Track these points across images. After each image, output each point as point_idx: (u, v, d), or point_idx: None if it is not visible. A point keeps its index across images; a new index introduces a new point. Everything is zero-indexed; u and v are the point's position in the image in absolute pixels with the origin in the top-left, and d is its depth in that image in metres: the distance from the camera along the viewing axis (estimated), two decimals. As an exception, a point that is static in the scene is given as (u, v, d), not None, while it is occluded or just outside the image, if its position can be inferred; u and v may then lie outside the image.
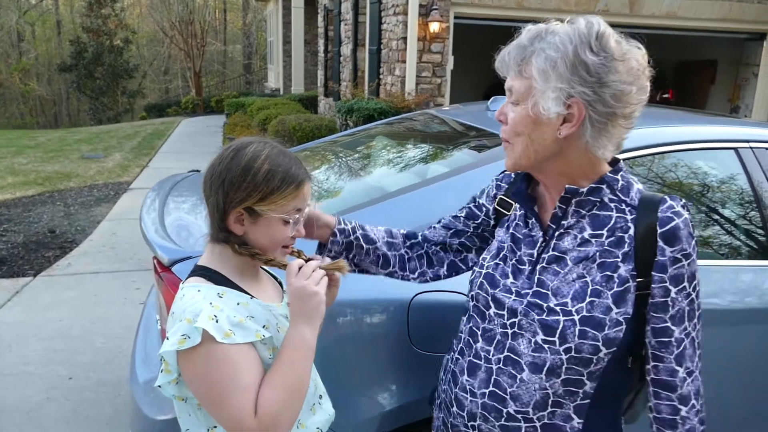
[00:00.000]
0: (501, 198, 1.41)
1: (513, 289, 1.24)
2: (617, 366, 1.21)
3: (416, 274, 1.50)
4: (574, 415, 1.21)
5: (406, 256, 1.49)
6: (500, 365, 1.22)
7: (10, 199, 7.32)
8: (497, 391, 1.22)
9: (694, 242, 1.16)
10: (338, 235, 1.41)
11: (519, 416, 1.21)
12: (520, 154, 1.18)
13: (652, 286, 1.15)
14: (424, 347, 1.71)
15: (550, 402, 1.19)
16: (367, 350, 1.73)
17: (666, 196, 1.18)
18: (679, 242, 1.14)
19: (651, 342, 1.19)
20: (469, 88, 10.91)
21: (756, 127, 2.31)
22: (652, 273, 1.15)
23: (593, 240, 1.18)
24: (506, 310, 1.23)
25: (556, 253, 1.21)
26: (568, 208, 1.21)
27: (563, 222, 1.21)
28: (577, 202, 1.20)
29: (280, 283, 1.38)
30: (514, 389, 1.20)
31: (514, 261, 1.27)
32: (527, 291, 1.21)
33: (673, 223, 1.14)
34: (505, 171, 1.44)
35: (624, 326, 1.15)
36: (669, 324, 1.17)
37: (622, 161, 1.23)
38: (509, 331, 1.22)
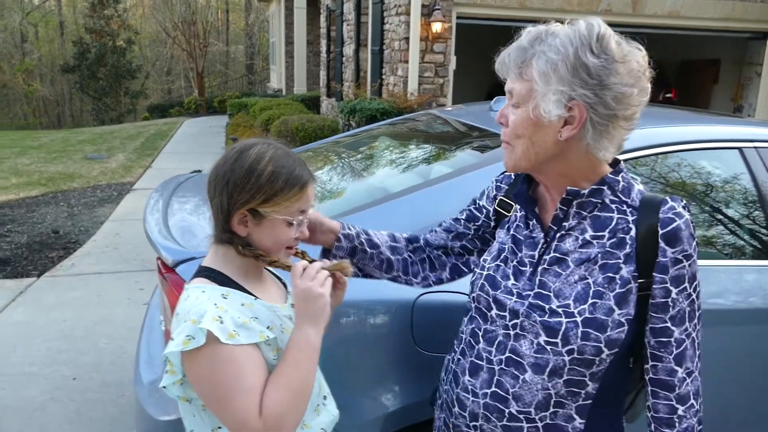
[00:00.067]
0: (501, 199, 1.41)
1: (514, 291, 1.24)
2: (619, 366, 1.21)
3: (419, 278, 1.50)
4: (575, 416, 1.21)
5: (409, 260, 1.49)
6: (502, 366, 1.22)
7: (13, 199, 7.34)
8: (499, 391, 1.22)
9: (695, 243, 1.16)
10: (343, 240, 1.41)
11: (521, 416, 1.21)
12: (521, 156, 1.18)
13: (653, 286, 1.15)
14: (428, 348, 1.71)
15: (552, 402, 1.20)
16: (371, 351, 1.73)
17: (667, 197, 1.18)
18: (681, 243, 1.14)
19: (650, 342, 1.19)
20: (472, 88, 10.90)
21: (760, 127, 2.31)
22: (654, 274, 1.15)
23: (595, 241, 1.18)
24: (508, 311, 1.23)
25: (557, 255, 1.21)
26: (569, 209, 1.21)
27: (564, 223, 1.22)
28: (578, 203, 1.20)
29: (285, 284, 1.38)
30: (516, 389, 1.20)
31: (515, 262, 1.27)
32: (528, 292, 1.22)
33: (674, 224, 1.14)
34: (505, 172, 1.44)
35: (626, 327, 1.15)
36: (669, 324, 1.17)
37: (622, 162, 1.23)
38: (511, 333, 1.22)
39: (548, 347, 1.17)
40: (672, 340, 1.18)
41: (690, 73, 11.94)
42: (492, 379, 1.23)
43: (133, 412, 2.14)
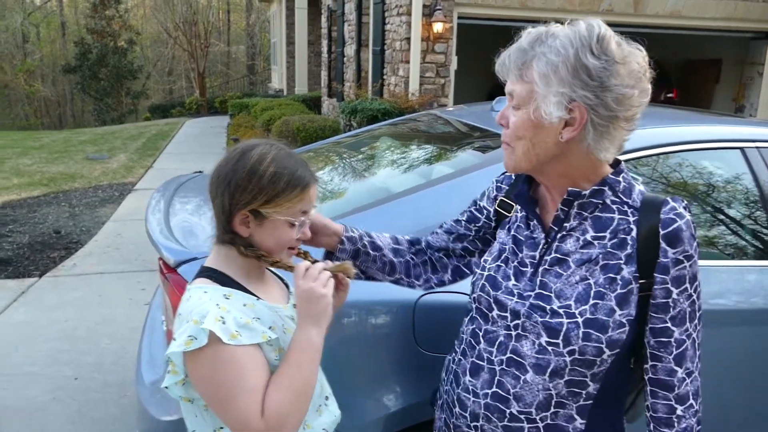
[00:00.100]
0: (502, 199, 1.41)
1: (515, 291, 1.24)
2: (620, 367, 1.21)
3: (421, 280, 1.50)
4: (576, 416, 1.21)
5: (412, 263, 1.49)
6: (503, 366, 1.22)
7: (15, 199, 7.35)
8: (500, 391, 1.22)
9: (695, 243, 1.16)
10: (346, 242, 1.42)
11: (522, 416, 1.21)
12: (521, 157, 1.18)
13: (654, 287, 1.16)
14: (430, 348, 1.71)
15: (553, 402, 1.20)
16: (373, 351, 1.73)
17: (668, 198, 1.18)
18: (681, 244, 1.14)
19: (650, 342, 1.19)
20: (473, 88, 10.89)
21: (762, 127, 2.31)
22: (654, 274, 1.15)
23: (596, 242, 1.18)
24: (509, 312, 1.23)
25: (558, 256, 1.21)
26: (570, 210, 1.21)
27: (565, 224, 1.22)
28: (579, 204, 1.20)
29: (287, 285, 1.38)
30: (517, 390, 1.20)
31: (515, 263, 1.27)
32: (529, 293, 1.22)
33: (675, 225, 1.14)
34: (506, 172, 1.44)
35: (627, 328, 1.15)
36: (669, 324, 1.17)
37: (623, 162, 1.23)
38: (512, 333, 1.22)
39: (549, 348, 1.17)
40: (672, 340, 1.18)
41: (691, 73, 11.94)
42: (493, 380, 1.23)
43: (135, 412, 2.14)
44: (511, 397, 1.21)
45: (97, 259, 5.29)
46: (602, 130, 1.12)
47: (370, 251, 1.44)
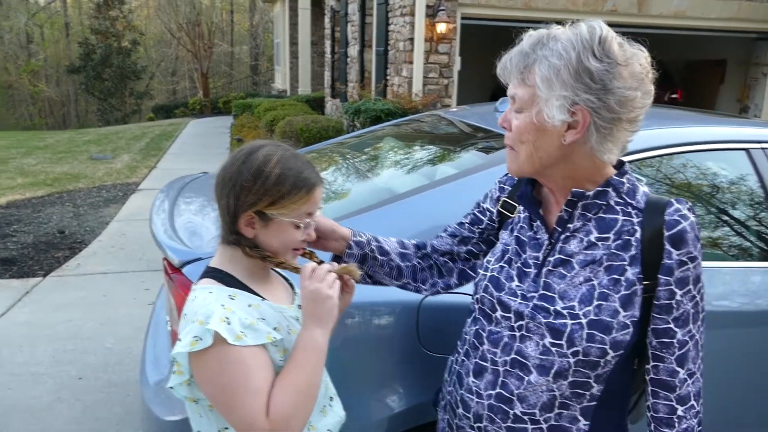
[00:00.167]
0: (504, 200, 1.41)
1: (518, 293, 1.24)
2: (623, 368, 1.21)
3: (428, 285, 1.50)
4: (580, 417, 1.21)
5: (418, 267, 1.49)
6: (507, 367, 1.22)
7: (20, 199, 7.37)
8: (504, 392, 1.22)
9: (699, 245, 1.16)
10: (354, 247, 1.41)
11: (525, 417, 1.21)
12: (524, 161, 1.18)
13: (658, 288, 1.15)
14: (434, 349, 1.71)
15: (556, 404, 1.20)
16: (377, 352, 1.73)
17: (672, 199, 1.18)
18: (686, 245, 1.14)
19: (652, 342, 1.19)
20: (476, 89, 10.90)
21: (767, 128, 2.30)
22: (658, 276, 1.15)
23: (600, 243, 1.18)
24: (512, 313, 1.23)
25: (562, 257, 1.21)
26: (574, 211, 1.21)
27: (569, 225, 1.21)
28: (583, 205, 1.20)
29: (291, 285, 1.38)
30: (521, 391, 1.20)
31: (519, 264, 1.27)
32: (533, 294, 1.21)
33: (680, 226, 1.14)
34: (508, 173, 1.44)
35: (631, 329, 1.15)
36: (672, 325, 1.17)
37: (627, 164, 1.23)
38: (517, 334, 1.22)
39: (553, 349, 1.17)
40: (674, 341, 1.18)
41: (696, 74, 11.92)
42: (497, 381, 1.23)
43: (139, 412, 2.15)
44: (514, 398, 1.21)
45: (101, 259, 5.30)
46: (605, 132, 1.12)
47: (378, 256, 1.44)
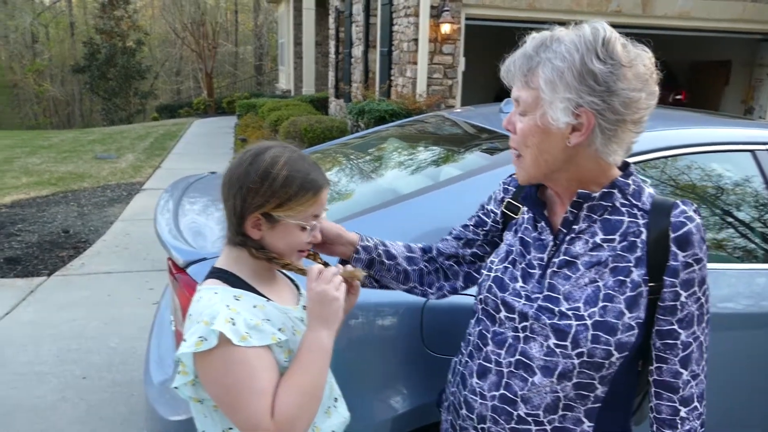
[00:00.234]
0: (509, 201, 1.41)
1: (523, 293, 1.23)
2: (628, 369, 1.21)
3: (434, 288, 1.50)
4: (584, 419, 1.21)
5: (425, 270, 1.50)
6: (511, 368, 1.22)
7: (24, 199, 7.39)
8: (508, 393, 1.22)
9: (705, 247, 1.16)
10: (361, 251, 1.42)
11: (529, 419, 1.21)
12: (531, 165, 1.18)
13: (663, 290, 1.15)
14: (438, 350, 1.71)
15: (561, 405, 1.19)
16: (381, 353, 1.74)
17: (678, 201, 1.18)
18: (692, 247, 1.14)
19: (656, 344, 1.19)
20: (480, 89, 10.89)
21: None
22: (664, 277, 1.15)
23: (605, 245, 1.18)
24: (517, 314, 1.23)
25: (567, 258, 1.21)
26: (580, 212, 1.21)
27: (574, 226, 1.21)
28: (588, 206, 1.19)
29: (297, 286, 1.38)
30: (525, 392, 1.20)
31: (523, 265, 1.27)
32: (537, 295, 1.21)
33: (686, 228, 1.14)
34: (513, 174, 1.44)
35: (636, 331, 1.15)
36: (676, 327, 1.17)
37: (632, 165, 1.23)
38: (521, 335, 1.22)
39: (558, 350, 1.17)
40: (678, 342, 1.17)
41: (700, 75, 11.89)
42: (500, 382, 1.23)
43: (143, 412, 2.15)
44: (518, 400, 1.21)
45: (105, 258, 5.32)
46: (610, 134, 1.12)
47: (385, 260, 1.44)
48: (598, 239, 1.19)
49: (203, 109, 20.19)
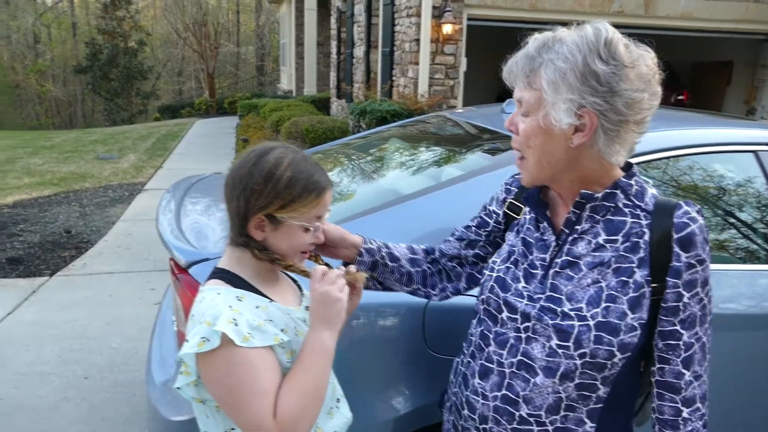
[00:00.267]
0: (511, 202, 1.41)
1: (525, 294, 1.23)
2: (630, 370, 1.21)
3: (437, 290, 1.50)
4: (586, 419, 1.21)
5: (428, 272, 1.50)
6: (513, 369, 1.22)
7: (26, 199, 7.40)
8: (510, 394, 1.22)
9: (708, 248, 1.16)
10: (365, 254, 1.42)
11: (531, 419, 1.21)
12: (534, 167, 1.18)
13: (666, 290, 1.15)
14: (440, 351, 1.71)
15: (563, 406, 1.19)
16: (384, 354, 1.74)
17: (681, 202, 1.18)
18: (695, 248, 1.14)
19: (658, 344, 1.19)
20: (482, 90, 10.87)
21: None
22: (667, 278, 1.14)
23: (608, 245, 1.18)
24: (519, 314, 1.22)
25: (569, 258, 1.21)
26: (582, 213, 1.21)
27: (577, 227, 1.21)
28: (591, 207, 1.19)
29: (299, 287, 1.38)
30: (527, 393, 1.20)
31: (525, 265, 1.27)
32: (540, 295, 1.21)
33: (689, 229, 1.14)
34: (515, 175, 1.44)
35: (639, 331, 1.15)
36: (678, 327, 1.17)
37: (635, 166, 1.23)
38: (523, 336, 1.22)
39: (560, 351, 1.17)
40: (681, 343, 1.17)
41: (703, 75, 11.87)
42: (502, 382, 1.23)
43: (145, 412, 2.16)
44: (520, 400, 1.21)
45: (107, 258, 5.32)
46: (613, 134, 1.12)
47: (388, 262, 1.44)
48: (600, 240, 1.19)
49: (205, 110, 20.22)
